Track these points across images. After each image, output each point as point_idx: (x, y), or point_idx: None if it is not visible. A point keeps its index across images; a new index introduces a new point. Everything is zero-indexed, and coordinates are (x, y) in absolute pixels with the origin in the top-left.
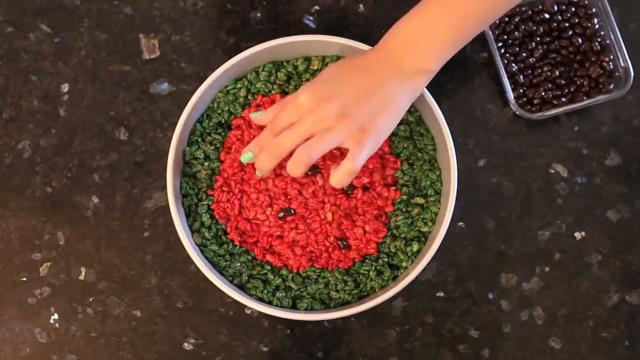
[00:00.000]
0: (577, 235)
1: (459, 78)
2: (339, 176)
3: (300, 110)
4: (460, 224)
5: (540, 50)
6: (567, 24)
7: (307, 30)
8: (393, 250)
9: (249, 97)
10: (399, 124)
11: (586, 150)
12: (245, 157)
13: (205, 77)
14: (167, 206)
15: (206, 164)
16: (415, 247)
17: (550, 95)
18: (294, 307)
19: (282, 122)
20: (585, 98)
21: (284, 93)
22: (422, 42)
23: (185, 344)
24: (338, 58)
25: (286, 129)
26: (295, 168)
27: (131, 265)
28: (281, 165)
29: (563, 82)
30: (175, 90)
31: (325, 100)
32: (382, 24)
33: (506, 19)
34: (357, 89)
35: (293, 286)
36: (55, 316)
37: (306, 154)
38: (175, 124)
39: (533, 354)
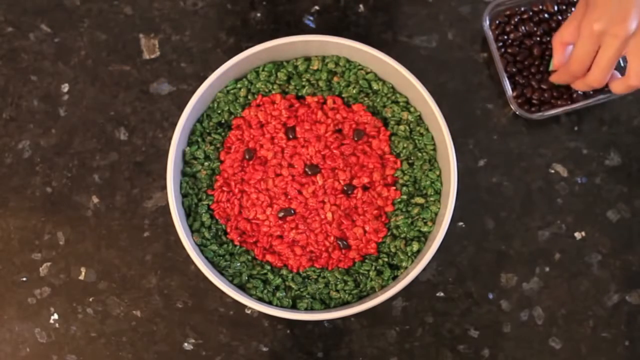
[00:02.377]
0: (577, 235)
1: (459, 78)
2: (621, 87)
3: (600, 36)
4: (460, 224)
5: (540, 50)
6: None
7: (307, 30)
8: (393, 250)
9: (249, 97)
10: (399, 124)
11: (586, 150)
12: (557, 81)
13: (205, 77)
14: (167, 206)
15: (206, 163)
16: (415, 247)
17: (550, 95)
18: (294, 307)
19: (581, 54)
20: (585, 98)
21: (284, 93)
22: None
23: (185, 344)
24: (338, 58)
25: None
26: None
27: (131, 265)
28: (281, 165)
29: None
30: (175, 90)
31: (622, 17)
32: (382, 24)
33: (506, 19)
34: (630, 4)
35: (293, 286)
36: (55, 316)
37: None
38: (175, 124)
39: (533, 354)
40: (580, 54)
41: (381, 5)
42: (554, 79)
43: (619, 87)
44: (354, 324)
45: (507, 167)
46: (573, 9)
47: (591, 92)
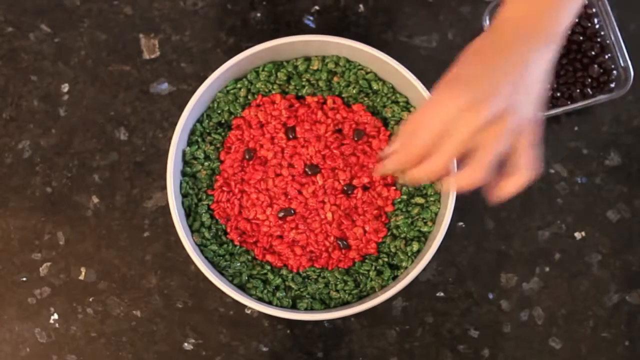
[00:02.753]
0: (577, 235)
1: None
2: (511, 189)
3: (447, 120)
4: (460, 224)
5: None
6: None
7: (307, 30)
8: (393, 250)
9: (249, 97)
10: (399, 124)
11: (586, 150)
12: (381, 171)
13: (205, 77)
14: (167, 206)
15: (206, 163)
16: (415, 247)
17: (550, 96)
18: (294, 307)
19: (423, 137)
20: (585, 98)
21: (284, 93)
22: (547, 9)
23: (185, 344)
24: (338, 58)
25: (434, 145)
26: (464, 186)
27: (131, 265)
28: (281, 165)
29: (563, 82)
30: (175, 90)
31: (479, 102)
32: (382, 24)
33: None
34: (502, 78)
35: (293, 286)
36: (55, 316)
37: (481, 172)
38: (175, 124)
39: (533, 354)
40: (427, 135)
41: (381, 5)
42: (380, 169)
43: (508, 187)
44: (354, 324)
45: None
46: None
47: (590, 92)
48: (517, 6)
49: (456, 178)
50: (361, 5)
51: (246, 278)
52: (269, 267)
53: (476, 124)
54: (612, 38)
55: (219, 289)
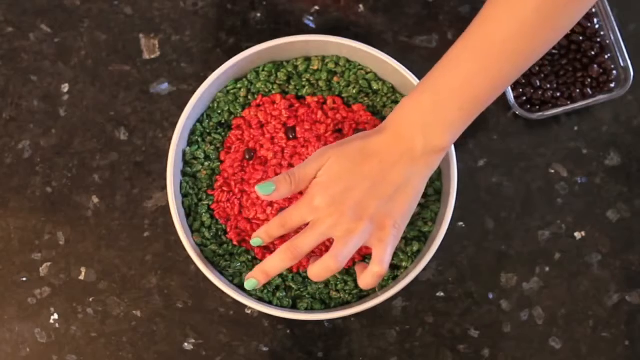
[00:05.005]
0: (577, 235)
1: None
2: (368, 281)
3: (316, 212)
4: (460, 223)
5: None
6: None
7: (307, 31)
8: None
9: (249, 97)
10: None
11: (586, 150)
12: (255, 242)
13: (205, 77)
14: (167, 206)
15: (206, 163)
16: (415, 247)
17: (550, 95)
18: (294, 307)
19: (294, 219)
20: (585, 98)
21: (284, 93)
22: (433, 123)
23: (186, 344)
24: (338, 58)
25: (302, 230)
26: (322, 274)
27: (131, 265)
28: (281, 165)
29: (563, 82)
30: (175, 90)
31: (340, 203)
32: (382, 24)
33: None
34: (371, 183)
35: (293, 286)
36: (55, 316)
37: (335, 262)
38: (175, 124)
39: (533, 354)
40: (297, 220)
41: (381, 5)
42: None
43: (368, 280)
44: (354, 324)
45: (507, 167)
46: None
47: (590, 92)
48: (411, 113)
49: (312, 267)
50: (361, 5)
51: None
52: None
53: (334, 222)
54: (612, 38)
55: (219, 289)
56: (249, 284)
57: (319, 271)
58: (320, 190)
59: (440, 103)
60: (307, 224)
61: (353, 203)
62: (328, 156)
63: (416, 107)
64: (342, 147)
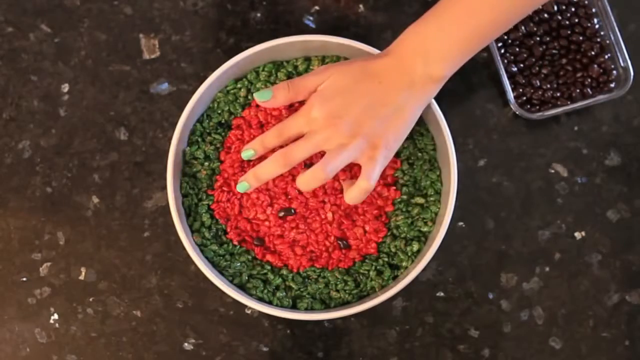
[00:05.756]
0: (577, 235)
1: (459, 78)
2: (354, 194)
3: (312, 124)
4: (460, 223)
5: (540, 50)
6: (567, 24)
7: (307, 30)
8: (393, 250)
9: (249, 97)
10: None
11: (586, 150)
12: (247, 154)
13: (205, 77)
14: (167, 206)
15: (206, 163)
16: (416, 246)
17: (550, 95)
18: (294, 307)
19: (291, 129)
20: (585, 98)
21: None
22: (434, 50)
23: (186, 344)
24: (338, 59)
25: (297, 139)
26: (311, 183)
27: (131, 265)
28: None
29: (563, 82)
30: (175, 90)
31: (337, 117)
32: (382, 24)
33: None
34: (369, 101)
35: (293, 286)
36: (55, 316)
37: (323, 171)
38: (175, 124)
39: (533, 354)
40: (293, 130)
41: (381, 5)
42: (243, 152)
43: (354, 193)
44: (354, 324)
45: (507, 167)
46: (573, 9)
47: (590, 92)
48: (413, 40)
49: (301, 175)
50: (361, 5)
51: (246, 278)
52: (269, 267)
53: (329, 134)
54: (612, 38)
55: (219, 289)
56: (240, 187)
57: (307, 179)
58: (319, 102)
59: (442, 32)
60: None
61: (349, 119)
62: (330, 72)
63: (419, 35)
64: (344, 66)
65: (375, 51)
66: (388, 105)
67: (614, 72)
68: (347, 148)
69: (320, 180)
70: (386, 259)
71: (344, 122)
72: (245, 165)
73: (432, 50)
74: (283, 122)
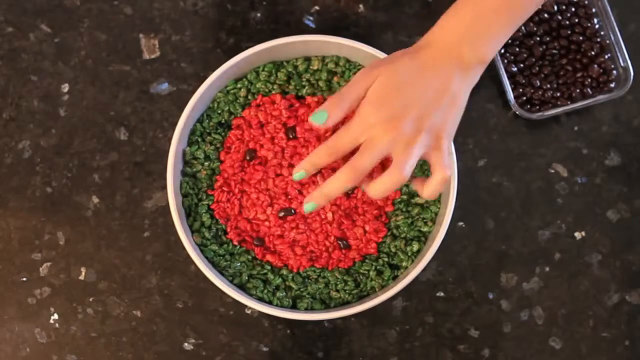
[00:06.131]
0: (577, 235)
1: None
2: (433, 188)
3: (370, 131)
4: (460, 223)
5: (540, 50)
6: (567, 24)
7: (307, 31)
8: (393, 250)
9: (249, 97)
10: None
11: (586, 150)
12: (299, 175)
13: (205, 77)
14: (167, 206)
15: (206, 163)
16: (415, 246)
17: (550, 95)
18: (294, 307)
19: (345, 143)
20: (585, 98)
21: (284, 93)
22: (478, 34)
23: (186, 344)
24: (338, 58)
25: (357, 149)
26: (390, 188)
27: (131, 265)
28: (281, 165)
29: (563, 82)
30: (175, 90)
31: (396, 118)
32: (382, 24)
33: None
34: (424, 95)
35: (293, 286)
36: (55, 316)
37: (401, 173)
38: (175, 124)
39: (533, 354)
40: (349, 140)
41: (381, 5)
42: (297, 170)
43: (433, 187)
44: (354, 324)
45: (507, 167)
46: (573, 9)
47: (590, 92)
48: (454, 27)
49: (374, 183)
50: (361, 5)
51: (246, 278)
52: (269, 267)
53: (393, 137)
54: (612, 38)
55: (219, 289)
56: (308, 207)
57: (384, 185)
58: (374, 107)
59: (481, 14)
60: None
61: (410, 117)
62: (376, 74)
63: (459, 21)
64: (390, 64)
65: (375, 51)
66: (443, 95)
67: (614, 72)
68: (413, 146)
69: (399, 183)
70: (386, 259)
71: (405, 121)
72: (245, 166)
73: (476, 34)
74: (333, 138)
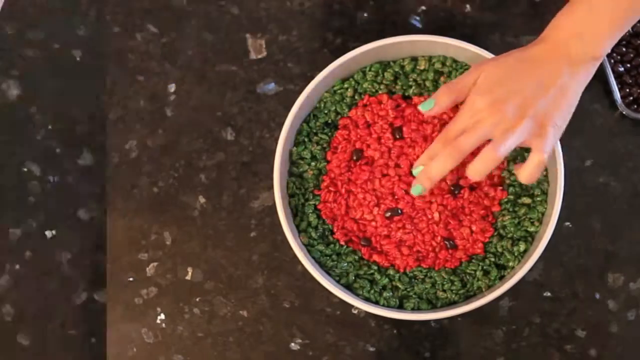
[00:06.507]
0: None
1: None
2: (529, 171)
3: (477, 115)
4: (567, 223)
5: None
6: None
7: (413, 31)
8: (500, 250)
9: (356, 97)
10: None
11: None
12: (418, 170)
13: (312, 77)
14: (273, 206)
15: (313, 163)
16: (522, 247)
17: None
18: (400, 307)
19: (456, 128)
20: None
21: (391, 93)
22: (588, 31)
23: (292, 344)
24: (445, 58)
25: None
26: (482, 168)
27: (238, 265)
28: (387, 165)
29: None
30: (282, 90)
31: (501, 102)
32: (489, 24)
33: None
34: (531, 85)
35: (400, 286)
36: (162, 316)
37: (495, 153)
38: (281, 124)
39: None
40: (459, 126)
41: (488, 5)
42: (417, 163)
43: (529, 170)
44: (461, 324)
45: (614, 167)
46: None
47: None
48: (566, 24)
49: (472, 163)
50: (468, 5)
51: (353, 278)
52: (376, 267)
53: (496, 120)
54: None
55: (325, 289)
56: (415, 190)
57: (476, 164)
58: (480, 93)
59: (594, 11)
60: None
61: (514, 103)
62: (483, 67)
63: (571, 18)
64: (500, 57)
65: (482, 51)
66: (550, 87)
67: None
68: (515, 131)
69: (492, 163)
70: (493, 259)
71: (509, 106)
72: (352, 166)
73: (587, 31)
74: (446, 128)
